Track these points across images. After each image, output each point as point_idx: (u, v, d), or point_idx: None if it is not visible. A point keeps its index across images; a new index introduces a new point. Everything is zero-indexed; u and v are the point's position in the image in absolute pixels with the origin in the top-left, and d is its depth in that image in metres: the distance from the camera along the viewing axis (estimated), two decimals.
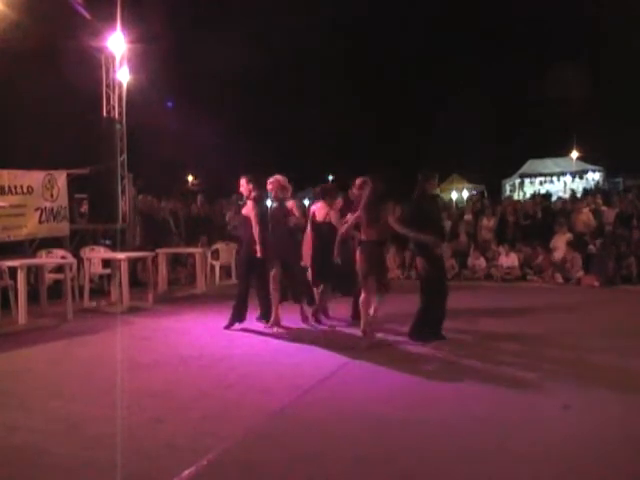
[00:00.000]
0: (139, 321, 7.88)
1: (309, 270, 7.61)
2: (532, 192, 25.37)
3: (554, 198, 19.49)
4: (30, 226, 9.62)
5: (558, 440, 3.79)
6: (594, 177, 27.97)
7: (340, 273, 7.42)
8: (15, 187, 9.36)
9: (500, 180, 30.06)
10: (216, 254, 12.11)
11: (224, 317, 7.78)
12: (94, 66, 11.24)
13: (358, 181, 8.01)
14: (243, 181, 7.44)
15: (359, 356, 5.87)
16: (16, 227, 9.39)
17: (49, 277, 8.78)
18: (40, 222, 9.79)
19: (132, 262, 9.93)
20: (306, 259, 7.68)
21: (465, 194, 28.66)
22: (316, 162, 34.05)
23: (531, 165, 29.08)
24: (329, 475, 3.39)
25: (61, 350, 6.37)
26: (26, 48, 9.31)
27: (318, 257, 7.41)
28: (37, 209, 9.73)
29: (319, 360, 5.75)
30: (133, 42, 11.06)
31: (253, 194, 7.37)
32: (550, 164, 28.76)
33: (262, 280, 7.35)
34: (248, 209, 7.30)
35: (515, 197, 24.40)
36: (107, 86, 11.43)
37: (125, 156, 11.62)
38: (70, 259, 8.95)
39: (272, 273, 7.12)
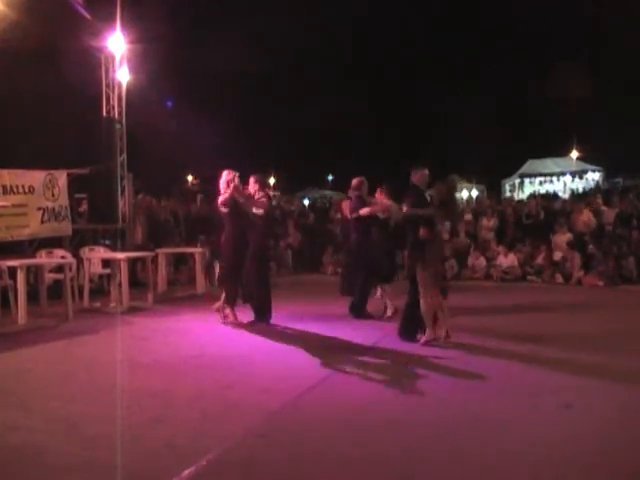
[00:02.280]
0: (139, 321, 7.88)
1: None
2: (531, 192, 25.38)
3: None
4: (33, 226, 9.63)
5: (558, 440, 3.79)
6: (594, 177, 27.99)
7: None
8: (17, 187, 9.36)
9: (500, 180, 30.07)
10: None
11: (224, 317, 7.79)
12: (94, 66, 11.24)
13: (355, 182, 8.10)
14: (252, 180, 7.62)
15: (359, 357, 5.88)
16: (19, 227, 9.40)
17: (49, 277, 8.78)
18: (42, 222, 9.79)
19: (132, 262, 9.93)
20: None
21: (465, 194, 28.68)
22: (316, 162, 34.07)
23: (531, 165, 29.11)
24: (329, 475, 3.39)
25: (61, 350, 6.36)
26: (26, 48, 9.31)
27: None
28: (39, 209, 9.73)
29: (319, 360, 5.74)
30: (133, 42, 11.06)
31: (261, 193, 7.54)
32: (550, 164, 28.79)
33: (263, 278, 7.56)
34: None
35: (515, 197, 24.42)
36: (107, 86, 11.42)
37: (125, 156, 11.62)
38: (70, 259, 8.94)
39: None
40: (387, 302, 7.98)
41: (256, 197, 7.48)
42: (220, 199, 7.48)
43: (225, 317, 7.64)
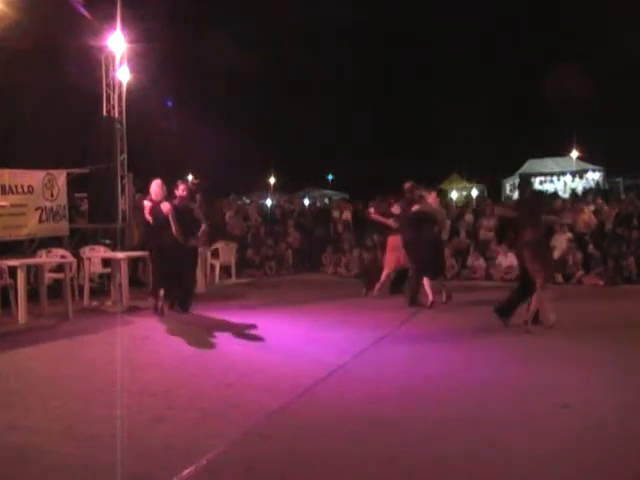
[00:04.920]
0: (139, 321, 7.88)
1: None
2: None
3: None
4: (30, 226, 9.63)
5: (558, 439, 3.79)
6: (594, 177, 27.94)
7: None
8: (16, 186, 9.37)
9: (500, 180, 30.04)
10: (216, 254, 12.13)
11: (224, 316, 7.80)
12: (94, 66, 11.24)
13: (407, 186, 9.02)
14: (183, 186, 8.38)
15: (359, 356, 5.89)
16: (17, 226, 9.40)
17: (49, 276, 8.78)
18: (40, 222, 9.80)
19: (132, 262, 9.93)
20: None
21: (465, 194, 28.66)
22: (316, 162, 34.08)
23: (531, 165, 29.07)
24: (328, 475, 3.39)
25: (61, 350, 6.36)
26: (26, 48, 9.31)
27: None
28: (37, 208, 9.73)
29: (319, 359, 5.75)
30: (133, 42, 11.05)
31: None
32: (550, 164, 28.73)
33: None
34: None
35: (515, 197, 24.39)
36: (107, 85, 11.42)
37: (125, 156, 11.62)
38: (70, 258, 8.95)
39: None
40: (428, 293, 8.67)
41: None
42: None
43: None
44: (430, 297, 8.55)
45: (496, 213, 7.97)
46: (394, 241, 9.43)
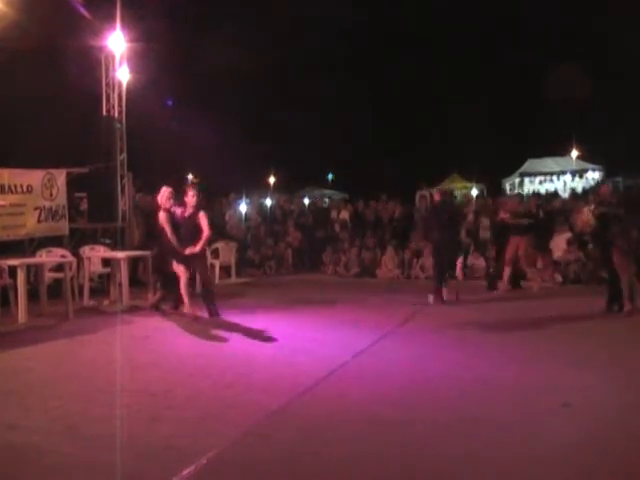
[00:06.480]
0: (139, 321, 7.88)
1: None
2: (528, 191, 25.36)
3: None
4: (29, 225, 9.62)
5: (558, 439, 3.79)
6: (594, 176, 27.93)
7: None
8: (15, 186, 9.36)
9: (500, 179, 30.05)
10: (216, 253, 12.13)
11: (223, 316, 7.80)
12: (94, 66, 11.24)
13: (437, 195, 9.93)
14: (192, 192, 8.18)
15: (358, 356, 5.89)
16: (15, 226, 9.39)
17: (49, 276, 8.78)
18: (39, 221, 9.79)
19: (132, 261, 9.94)
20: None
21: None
22: (316, 162, 34.06)
23: (531, 164, 29.06)
24: (328, 475, 3.39)
25: (61, 349, 6.36)
26: (26, 47, 9.31)
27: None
28: (36, 208, 9.72)
29: (318, 359, 5.75)
30: (133, 41, 11.05)
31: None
32: (550, 163, 28.72)
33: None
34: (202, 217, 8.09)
35: (513, 195, 24.37)
36: (107, 85, 11.42)
37: (125, 155, 11.62)
38: (70, 258, 8.95)
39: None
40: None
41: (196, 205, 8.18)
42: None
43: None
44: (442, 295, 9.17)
45: (600, 211, 8.44)
46: (515, 241, 10.41)
